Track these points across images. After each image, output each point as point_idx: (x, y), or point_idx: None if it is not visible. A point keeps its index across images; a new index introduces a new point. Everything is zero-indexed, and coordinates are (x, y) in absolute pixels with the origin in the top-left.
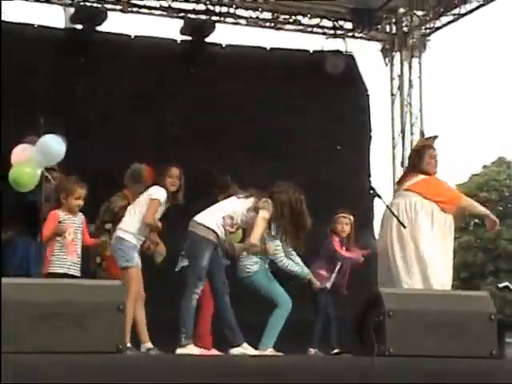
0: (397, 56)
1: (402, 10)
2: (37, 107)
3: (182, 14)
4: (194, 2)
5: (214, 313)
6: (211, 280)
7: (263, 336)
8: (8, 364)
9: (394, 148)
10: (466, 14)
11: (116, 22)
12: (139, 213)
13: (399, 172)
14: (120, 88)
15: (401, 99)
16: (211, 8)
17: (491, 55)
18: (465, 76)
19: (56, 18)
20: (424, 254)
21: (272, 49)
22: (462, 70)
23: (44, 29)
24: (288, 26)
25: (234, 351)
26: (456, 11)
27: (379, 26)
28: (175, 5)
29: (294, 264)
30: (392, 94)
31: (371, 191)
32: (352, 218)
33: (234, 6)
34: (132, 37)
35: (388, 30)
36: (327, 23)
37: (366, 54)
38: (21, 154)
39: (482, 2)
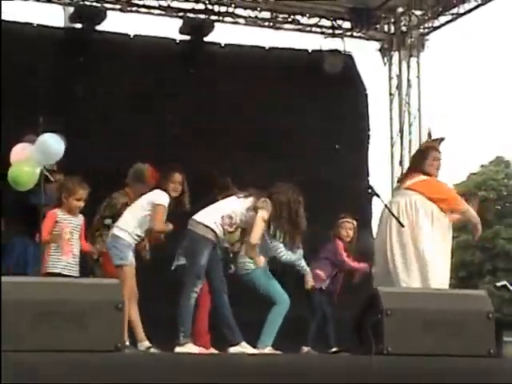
0: (395, 55)
1: (400, 10)
2: (36, 106)
3: (180, 14)
4: (193, 1)
5: (212, 311)
6: (210, 279)
7: (261, 334)
8: (8, 362)
9: (392, 147)
10: (464, 13)
11: (115, 22)
12: (137, 214)
13: (397, 171)
14: (119, 88)
15: (399, 99)
16: (210, 7)
17: (490, 55)
18: (463, 75)
19: (55, 17)
20: (424, 253)
21: (271, 48)
22: (461, 70)
23: (43, 28)
24: (287, 26)
25: (233, 350)
26: (454, 11)
27: (378, 26)
28: (174, 4)
29: (295, 256)
30: (390, 94)
31: (370, 190)
32: (355, 222)
33: (232, 6)
34: (131, 36)
35: (386, 29)
36: (326, 23)
37: (365, 54)
38: (20, 152)
39: (480, 2)
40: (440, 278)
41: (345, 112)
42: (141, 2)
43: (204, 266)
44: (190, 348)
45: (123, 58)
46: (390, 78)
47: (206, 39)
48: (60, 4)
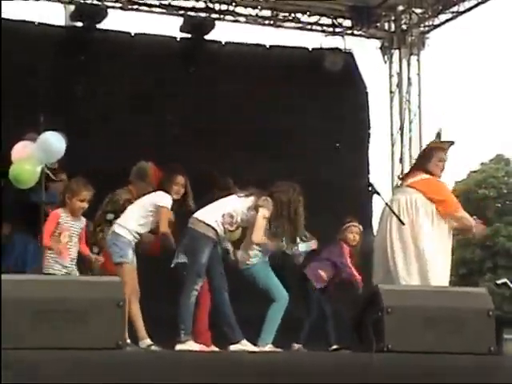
0: (396, 53)
1: (400, 8)
2: (36, 106)
3: (181, 12)
4: None
5: (212, 309)
6: (210, 277)
7: (262, 332)
8: (8, 360)
9: (392, 145)
10: (464, 11)
11: (116, 20)
12: (139, 213)
13: (398, 169)
14: (120, 87)
15: (399, 96)
16: (211, 6)
17: (490, 53)
18: (463, 74)
19: (56, 15)
20: (424, 252)
21: (271, 46)
22: (461, 68)
23: (44, 26)
24: (287, 24)
25: (233, 348)
26: (455, 9)
27: (378, 24)
28: (175, 2)
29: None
30: (391, 92)
31: (370, 188)
32: (361, 226)
33: (233, 4)
34: (132, 34)
35: (387, 27)
36: (326, 21)
37: (365, 52)
38: (21, 151)
39: (480, 0)
40: (440, 277)
41: (345, 110)
42: (142, 1)
43: (205, 264)
44: (191, 346)
45: (124, 56)
46: (391, 76)
47: (206, 37)
48: (61, 2)
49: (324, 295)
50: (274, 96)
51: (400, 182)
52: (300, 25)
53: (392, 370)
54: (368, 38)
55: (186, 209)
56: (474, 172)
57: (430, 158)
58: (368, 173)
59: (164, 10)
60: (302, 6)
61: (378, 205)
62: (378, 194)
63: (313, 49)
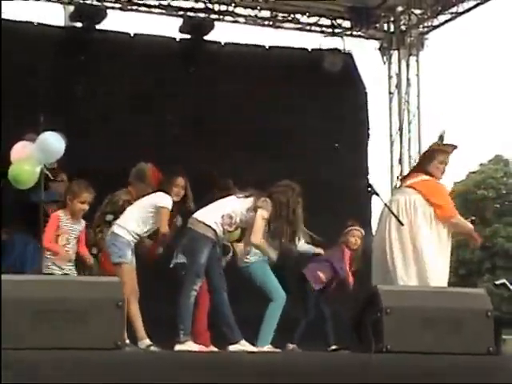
0: (395, 54)
1: (400, 9)
2: (36, 106)
3: (181, 13)
4: (193, 0)
5: (211, 310)
6: (209, 277)
7: (260, 332)
8: (8, 360)
9: (391, 145)
10: (463, 12)
11: (115, 21)
12: (138, 213)
13: (397, 169)
14: (119, 87)
15: (398, 97)
16: (210, 6)
17: (489, 54)
18: (462, 74)
19: (56, 16)
20: (422, 253)
21: (271, 47)
22: (460, 69)
23: (44, 27)
24: (286, 25)
25: (232, 348)
26: (454, 10)
27: (377, 25)
28: (174, 3)
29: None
30: (390, 92)
31: (369, 189)
32: (363, 230)
33: (232, 5)
34: (131, 35)
35: (386, 28)
36: (325, 21)
37: (364, 53)
38: (20, 151)
39: (479, 1)
40: (438, 278)
41: (344, 111)
42: (141, 1)
43: (204, 265)
44: (190, 346)
45: (123, 56)
46: (390, 77)
47: (206, 38)
48: (60, 3)
49: (322, 296)
50: (273, 96)
51: (400, 182)
52: (299, 25)
53: (391, 371)
54: (367, 38)
55: (185, 210)
56: (473, 173)
57: (431, 159)
58: (367, 173)
59: (163, 11)
60: (301, 7)
61: (377, 205)
62: (377, 194)
63: (312, 49)
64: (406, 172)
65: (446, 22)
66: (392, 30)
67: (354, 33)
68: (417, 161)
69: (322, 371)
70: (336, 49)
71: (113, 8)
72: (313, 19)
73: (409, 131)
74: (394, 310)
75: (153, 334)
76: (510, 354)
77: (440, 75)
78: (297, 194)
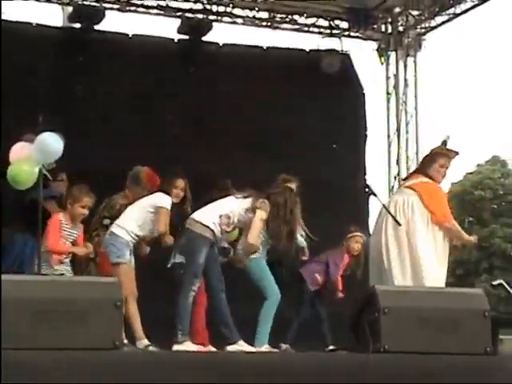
0: (392, 55)
1: (397, 10)
2: (36, 106)
3: (179, 14)
4: (192, 1)
5: (209, 310)
6: (207, 277)
7: (257, 333)
8: (7, 360)
9: (389, 146)
10: (460, 13)
11: (114, 21)
12: (138, 214)
13: (394, 170)
14: (119, 87)
15: (396, 98)
16: (208, 7)
17: (486, 55)
18: (460, 75)
19: (54, 16)
20: (419, 253)
21: (269, 48)
22: (457, 69)
23: (42, 28)
24: (284, 26)
25: (230, 348)
26: (451, 11)
27: (375, 26)
28: (172, 4)
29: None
30: (387, 93)
31: (367, 189)
32: (364, 237)
33: (230, 6)
34: (130, 36)
35: (384, 29)
36: (323, 22)
37: (362, 54)
38: (19, 151)
39: (476, 2)
40: (434, 279)
41: (342, 111)
42: (139, 2)
43: (202, 265)
44: (188, 346)
45: (122, 57)
46: (387, 78)
47: (204, 39)
48: (59, 4)
49: (318, 297)
50: (271, 97)
51: (401, 182)
52: (297, 26)
53: (389, 371)
54: (365, 39)
55: (182, 213)
56: (470, 173)
57: (432, 162)
58: (365, 174)
59: (161, 12)
60: (299, 8)
61: (374, 205)
62: (375, 195)
63: (310, 50)
64: (403, 172)
65: (444, 23)
66: (390, 31)
67: (352, 34)
68: (416, 161)
69: (319, 371)
70: (334, 50)
71: (111, 9)
72: (311, 20)
73: (406, 132)
74: (391, 310)
75: (151, 334)
76: (508, 354)
77: (437, 76)
78: (294, 194)
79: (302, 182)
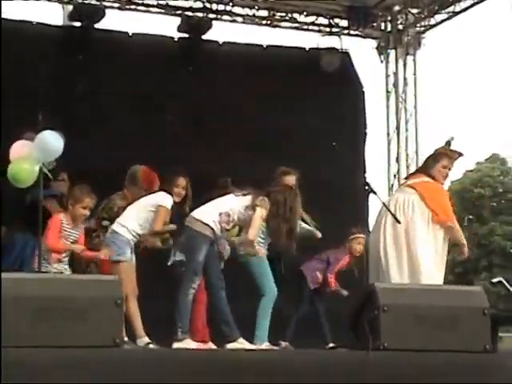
0: (392, 53)
1: (397, 8)
2: (36, 105)
3: (179, 12)
4: None
5: (209, 307)
6: (207, 275)
7: (256, 330)
8: (8, 358)
9: (389, 144)
10: (460, 11)
11: (114, 20)
12: (139, 213)
13: (394, 168)
14: (118, 86)
15: (396, 96)
16: (208, 6)
17: (485, 53)
18: (459, 73)
19: (54, 15)
20: (417, 252)
21: (268, 46)
22: (457, 68)
23: (42, 26)
24: (284, 24)
25: (230, 346)
26: (450, 9)
27: (374, 24)
28: (172, 2)
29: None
30: (387, 91)
31: (366, 187)
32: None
33: (230, 4)
34: (130, 34)
35: (383, 27)
36: (323, 21)
37: (362, 52)
38: (19, 150)
39: (476, 0)
40: (431, 279)
41: (342, 110)
42: (139, 1)
43: (201, 262)
44: (188, 343)
45: (122, 56)
46: (387, 76)
47: (204, 37)
48: (59, 2)
49: (318, 295)
50: (271, 95)
51: (403, 181)
52: (297, 25)
53: (388, 368)
54: (364, 37)
55: (182, 212)
56: (470, 171)
57: (435, 162)
58: (364, 172)
59: (161, 10)
60: (299, 6)
61: (374, 204)
62: (375, 193)
63: (310, 48)
64: (403, 170)
65: (443, 21)
66: (389, 29)
67: (352, 32)
68: (415, 160)
69: (319, 369)
70: (333, 48)
71: (111, 7)
72: (310, 18)
73: (406, 130)
74: (391, 307)
75: (151, 331)
76: (507, 352)
77: (437, 74)
78: (294, 193)
79: (302, 182)
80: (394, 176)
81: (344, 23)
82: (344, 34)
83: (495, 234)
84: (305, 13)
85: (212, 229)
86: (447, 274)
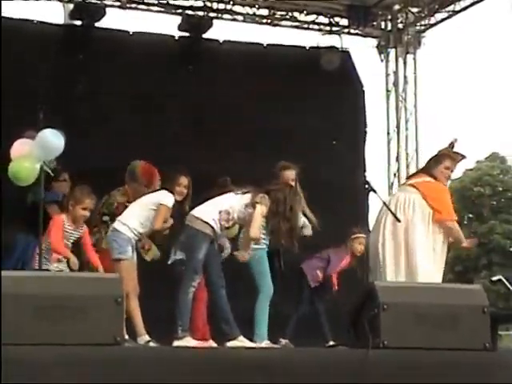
0: (392, 52)
1: (397, 7)
2: (36, 104)
3: (179, 11)
4: None
5: (209, 305)
6: (207, 273)
7: (255, 329)
8: (8, 356)
9: (389, 143)
10: (460, 10)
11: (114, 19)
12: (140, 211)
13: (394, 167)
14: (118, 85)
15: (396, 95)
16: (209, 4)
17: (485, 52)
18: (459, 72)
19: (55, 14)
20: (415, 252)
21: (269, 45)
22: (457, 66)
23: (43, 25)
24: (284, 23)
25: (231, 344)
26: (450, 8)
27: (375, 23)
28: (173, 1)
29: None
30: (387, 90)
31: (366, 186)
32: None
33: (231, 3)
34: (130, 33)
35: (383, 26)
36: (323, 20)
37: (362, 51)
38: (20, 148)
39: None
40: (428, 279)
41: (342, 109)
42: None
43: (201, 261)
44: (189, 341)
45: (122, 54)
46: (387, 75)
47: (204, 36)
48: (60, 1)
49: (317, 294)
50: (271, 95)
51: (405, 180)
52: (297, 23)
53: (388, 366)
54: (364, 36)
55: (181, 211)
56: (470, 170)
57: (437, 163)
58: (364, 171)
59: (162, 9)
60: (299, 5)
61: (374, 203)
62: (375, 191)
63: (310, 47)
64: (403, 169)
65: (443, 20)
66: (389, 28)
67: (352, 31)
68: (415, 159)
69: (319, 367)
70: (333, 47)
71: (112, 6)
72: (310, 17)
73: (406, 129)
74: (390, 305)
75: (152, 329)
76: (507, 350)
77: (437, 73)
78: (294, 192)
79: (303, 181)
80: (394, 175)
81: (344, 22)
82: (344, 32)
83: (495, 233)
84: (305, 12)
85: (212, 227)
86: (447, 273)
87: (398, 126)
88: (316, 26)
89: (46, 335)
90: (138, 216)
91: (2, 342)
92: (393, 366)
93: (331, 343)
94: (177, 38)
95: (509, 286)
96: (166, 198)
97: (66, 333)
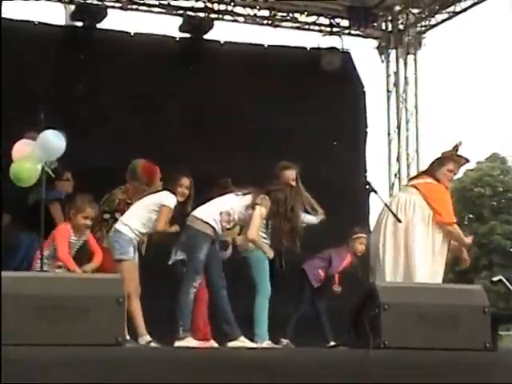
0: (393, 53)
1: (397, 8)
2: (36, 104)
3: (180, 12)
4: None
5: (210, 305)
6: (208, 274)
7: (255, 328)
8: (8, 356)
9: (389, 144)
10: (460, 11)
11: (115, 20)
12: (142, 211)
13: (395, 168)
14: (119, 86)
15: (396, 96)
16: (210, 5)
17: (486, 53)
18: (460, 73)
19: (56, 15)
20: (414, 254)
21: (269, 46)
22: (457, 67)
23: (44, 26)
24: (285, 24)
25: (232, 345)
26: (451, 9)
27: (375, 24)
28: (174, 2)
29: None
30: (388, 91)
31: (367, 186)
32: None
33: (232, 4)
34: (132, 34)
35: (384, 27)
36: (324, 21)
37: (362, 51)
38: (21, 149)
39: (476, 0)
40: (426, 280)
41: (342, 109)
42: (141, 1)
43: (202, 261)
44: (190, 342)
45: (123, 55)
46: (388, 76)
47: (205, 37)
48: (61, 2)
49: (318, 294)
50: (272, 95)
51: (407, 181)
52: (298, 24)
53: (389, 366)
54: (365, 37)
55: (184, 212)
56: (470, 170)
57: (440, 166)
58: (365, 171)
59: (163, 10)
60: (300, 6)
61: (375, 203)
62: (375, 192)
63: (311, 48)
64: (403, 170)
65: (444, 21)
66: (390, 29)
67: (352, 32)
68: (416, 159)
69: (320, 367)
70: (334, 48)
71: (113, 7)
72: (311, 18)
73: (406, 129)
74: (391, 306)
75: (153, 330)
76: (507, 350)
77: (438, 74)
78: (295, 192)
79: (303, 182)
80: (395, 175)
81: (345, 23)
82: (345, 33)
83: (495, 233)
84: (306, 13)
85: (213, 227)
86: (447, 273)
87: (398, 127)
88: (317, 27)
89: (46, 335)
90: (139, 217)
91: (2, 342)
92: (393, 366)
93: (332, 343)
94: (178, 39)
95: (509, 286)
96: (168, 199)
97: (66, 333)
